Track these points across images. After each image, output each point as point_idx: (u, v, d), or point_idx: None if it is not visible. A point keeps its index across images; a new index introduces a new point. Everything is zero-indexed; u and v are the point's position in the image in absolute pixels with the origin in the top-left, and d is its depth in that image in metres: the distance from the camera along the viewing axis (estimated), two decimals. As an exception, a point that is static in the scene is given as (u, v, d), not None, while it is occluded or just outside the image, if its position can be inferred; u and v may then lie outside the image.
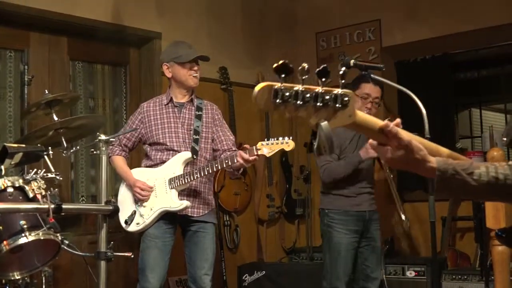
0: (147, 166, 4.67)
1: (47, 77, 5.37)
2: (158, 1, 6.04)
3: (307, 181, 7.00)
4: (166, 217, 4.53)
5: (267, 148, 4.42)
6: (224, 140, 4.79)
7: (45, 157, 3.65)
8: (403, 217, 4.83)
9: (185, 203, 4.51)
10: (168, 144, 4.61)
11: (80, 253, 3.45)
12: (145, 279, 4.43)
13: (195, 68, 4.68)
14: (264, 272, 6.10)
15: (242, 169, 4.72)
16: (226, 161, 4.43)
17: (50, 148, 3.72)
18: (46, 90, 3.79)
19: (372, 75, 4.97)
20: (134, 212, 4.55)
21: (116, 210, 3.13)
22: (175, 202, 4.51)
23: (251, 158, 4.35)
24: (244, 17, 6.95)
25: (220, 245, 6.24)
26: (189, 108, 4.73)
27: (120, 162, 4.69)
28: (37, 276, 4.05)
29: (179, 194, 4.54)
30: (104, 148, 3.23)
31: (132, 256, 3.42)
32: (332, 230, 4.91)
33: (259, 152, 4.41)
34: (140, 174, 4.63)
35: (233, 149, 4.79)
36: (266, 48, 7.23)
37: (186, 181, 4.50)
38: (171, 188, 4.52)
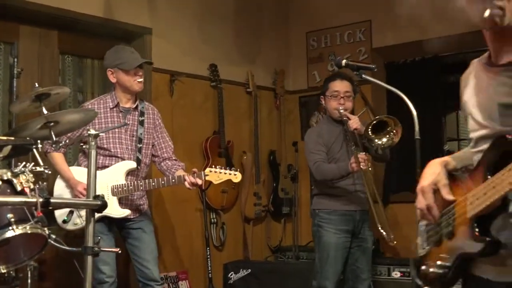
0: (86, 167, 4.60)
1: (36, 70, 5.33)
2: (150, -3, 6.03)
3: (294, 180, 7.03)
4: (103, 219, 4.52)
5: (215, 176, 4.60)
6: (164, 147, 4.87)
7: (34, 150, 3.63)
8: (384, 235, 4.85)
9: (127, 212, 4.61)
10: (112, 150, 4.63)
11: (67, 248, 3.43)
12: (100, 272, 4.45)
13: (140, 73, 4.69)
14: (249, 270, 6.10)
15: None
16: (173, 181, 4.58)
17: (39, 141, 3.70)
18: (36, 83, 3.76)
19: (340, 72, 5.05)
20: (72, 212, 4.53)
21: (104, 205, 3.11)
22: (116, 210, 4.56)
23: (198, 183, 4.54)
24: (236, 14, 6.94)
25: (206, 242, 6.24)
26: (133, 114, 4.76)
27: (59, 159, 4.63)
28: (22, 270, 4.03)
29: (118, 201, 4.60)
30: (93, 143, 3.21)
31: (120, 251, 3.42)
32: (321, 229, 4.95)
33: (207, 178, 4.59)
34: (81, 175, 4.52)
35: (173, 158, 4.88)
36: (256, 47, 7.23)
37: (129, 191, 4.58)
38: (113, 195, 4.55)
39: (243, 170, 6.79)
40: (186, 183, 4.52)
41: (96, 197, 3.14)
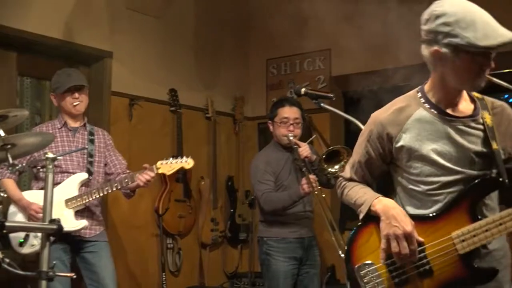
0: (40, 189, 4.57)
1: (-7, 91, 5.29)
2: (111, 20, 6.02)
3: (252, 206, 6.98)
4: (61, 238, 4.45)
5: (166, 166, 4.60)
6: (118, 164, 4.88)
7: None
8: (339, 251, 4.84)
9: (84, 222, 4.56)
10: (63, 166, 4.61)
11: (21, 272, 3.38)
12: None
13: (75, 96, 4.69)
14: (205, 296, 6.08)
15: (136, 190, 4.76)
16: (126, 180, 4.56)
17: (-6, 164, 3.66)
18: (-6, 105, 3.73)
19: (288, 98, 5.08)
20: (28, 235, 4.47)
21: (60, 229, 3.08)
22: (73, 222, 4.53)
23: (151, 176, 4.54)
24: (196, 40, 6.96)
25: (162, 268, 6.20)
26: (82, 132, 4.78)
27: (11, 185, 4.60)
28: (-26, 294, 3.97)
29: (74, 214, 4.55)
30: (50, 166, 3.18)
31: (75, 276, 3.37)
32: (270, 258, 4.91)
33: (159, 171, 4.61)
34: (33, 197, 4.53)
35: (127, 171, 4.87)
36: (217, 72, 7.26)
37: (83, 201, 4.54)
38: (68, 208, 4.53)
39: (200, 195, 6.78)
40: (138, 179, 4.51)
41: (52, 221, 3.10)
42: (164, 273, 6.18)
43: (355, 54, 6.71)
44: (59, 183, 4.57)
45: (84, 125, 4.80)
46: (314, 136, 5.16)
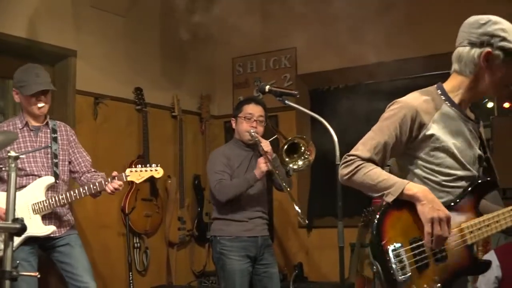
0: (3, 191, 4.44)
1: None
2: (75, 19, 5.98)
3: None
4: (28, 240, 4.44)
5: (136, 174, 4.59)
6: (82, 162, 4.82)
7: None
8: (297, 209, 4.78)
9: (52, 228, 4.52)
10: (27, 169, 4.53)
11: (-16, 273, 3.34)
12: None
13: (41, 98, 4.60)
14: (173, 295, 6.06)
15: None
16: (95, 188, 4.53)
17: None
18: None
19: (255, 97, 5.10)
20: None
21: (24, 229, 3.05)
22: (41, 227, 4.48)
23: (119, 184, 4.50)
24: (162, 39, 6.95)
25: (129, 267, 6.17)
26: (44, 131, 4.70)
27: None
28: None
29: (42, 218, 4.50)
30: (13, 165, 3.15)
31: (39, 276, 3.34)
32: (224, 257, 4.88)
33: (128, 179, 4.58)
34: None
35: (92, 170, 4.84)
36: (182, 71, 7.25)
37: (51, 207, 4.50)
38: (35, 214, 4.47)
39: (167, 194, 6.77)
40: (107, 187, 4.49)
41: (15, 220, 3.07)
42: (131, 273, 6.16)
43: (321, 52, 6.76)
44: (24, 186, 4.51)
45: (47, 123, 4.72)
46: (275, 136, 5.18)
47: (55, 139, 4.70)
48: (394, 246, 2.66)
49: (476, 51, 2.73)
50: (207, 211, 7.11)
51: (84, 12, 6.08)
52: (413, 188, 2.69)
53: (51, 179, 4.56)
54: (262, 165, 4.78)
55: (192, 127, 7.34)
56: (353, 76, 6.81)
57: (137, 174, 4.59)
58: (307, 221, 4.77)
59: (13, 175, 3.15)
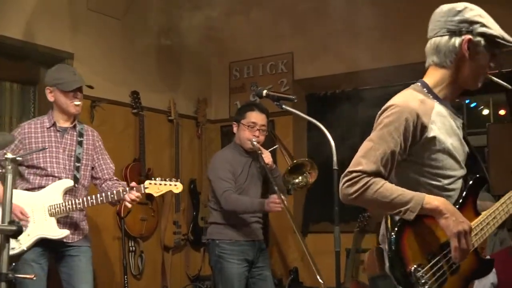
0: (24, 189, 4.50)
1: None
2: (72, 21, 5.97)
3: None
4: (41, 242, 4.43)
5: (155, 187, 4.52)
6: (105, 169, 4.78)
7: None
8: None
9: (66, 232, 4.48)
10: (48, 169, 4.51)
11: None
12: None
13: (78, 96, 4.61)
14: (167, 299, 6.05)
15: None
16: (112, 196, 4.49)
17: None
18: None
19: (258, 104, 5.10)
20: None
21: (20, 231, 3.04)
22: (55, 230, 4.45)
23: (136, 196, 4.45)
24: (159, 42, 6.94)
25: (124, 271, 6.16)
26: (71, 133, 4.66)
27: None
28: None
29: (57, 222, 4.48)
30: (10, 167, 3.14)
31: (35, 278, 3.34)
32: (223, 261, 4.91)
33: (147, 191, 4.51)
34: (17, 197, 4.32)
35: (114, 178, 4.82)
36: (179, 75, 7.25)
37: (67, 210, 4.46)
38: (51, 216, 4.44)
39: (163, 198, 6.75)
40: (125, 198, 4.43)
41: (11, 222, 3.07)
42: (126, 276, 6.14)
43: (318, 57, 6.77)
44: (43, 186, 4.48)
45: (74, 126, 4.68)
46: (276, 146, 5.19)
47: (80, 143, 4.65)
48: (416, 268, 2.49)
49: (456, 40, 2.63)
50: (203, 216, 7.10)
51: (81, 15, 6.07)
52: (433, 201, 2.52)
53: (70, 183, 4.51)
54: (275, 206, 4.76)
55: (188, 131, 7.34)
56: (350, 82, 6.82)
57: (156, 187, 4.52)
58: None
59: (10, 177, 3.14)
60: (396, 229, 2.54)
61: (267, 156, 4.89)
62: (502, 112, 7.23)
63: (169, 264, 6.86)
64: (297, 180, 4.85)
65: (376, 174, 2.54)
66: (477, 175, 2.74)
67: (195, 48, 7.40)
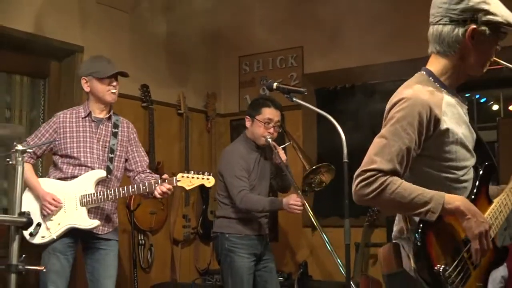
0: (56, 178, 4.55)
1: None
2: (82, 15, 5.98)
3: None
4: (70, 232, 4.46)
5: (187, 181, 4.49)
6: (139, 161, 4.79)
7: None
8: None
9: (96, 222, 4.49)
10: (82, 159, 4.53)
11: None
12: None
13: (114, 84, 4.64)
14: (177, 292, 6.06)
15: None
16: (144, 188, 4.48)
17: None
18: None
19: (273, 99, 5.09)
20: (40, 224, 4.41)
21: (30, 222, 3.06)
22: (86, 220, 4.46)
23: (168, 188, 4.43)
24: (168, 36, 6.93)
25: (133, 264, 6.17)
26: (106, 124, 4.69)
27: (28, 169, 4.46)
28: None
29: (88, 212, 4.48)
30: (20, 159, 3.16)
31: (45, 269, 3.35)
32: (234, 254, 4.94)
33: (179, 184, 4.49)
34: (49, 186, 4.50)
35: (148, 171, 4.81)
36: (189, 69, 7.24)
37: (99, 201, 4.47)
38: (82, 206, 4.46)
39: (172, 192, 6.75)
40: (156, 190, 4.42)
41: (22, 214, 3.08)
42: (135, 269, 6.16)
43: (328, 51, 6.76)
44: (76, 176, 4.51)
45: (109, 117, 4.71)
46: (289, 143, 5.18)
47: (115, 134, 4.67)
48: (444, 268, 2.43)
49: (460, 30, 2.51)
50: (212, 209, 7.10)
51: (91, 8, 6.07)
52: (454, 201, 2.44)
53: (102, 173, 4.53)
54: (295, 208, 4.79)
55: (198, 125, 7.34)
56: (360, 76, 6.80)
57: (188, 181, 4.50)
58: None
59: (20, 168, 3.15)
60: (419, 230, 2.47)
61: (282, 154, 4.91)
62: (512, 107, 7.21)
63: (178, 258, 6.87)
64: (313, 181, 4.87)
65: (392, 172, 2.43)
66: (486, 163, 2.66)
67: (204, 42, 7.41)
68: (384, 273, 2.73)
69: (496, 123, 6.30)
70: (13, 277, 3.01)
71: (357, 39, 6.47)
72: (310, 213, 4.68)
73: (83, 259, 4.71)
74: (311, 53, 7.07)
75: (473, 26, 2.50)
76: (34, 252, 4.37)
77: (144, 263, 6.50)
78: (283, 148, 5.06)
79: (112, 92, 4.63)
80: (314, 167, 4.84)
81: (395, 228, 2.73)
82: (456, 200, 2.44)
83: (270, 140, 4.92)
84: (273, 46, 7.22)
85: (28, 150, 3.23)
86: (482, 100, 7.41)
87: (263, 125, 4.98)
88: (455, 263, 2.48)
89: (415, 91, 2.53)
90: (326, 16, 6.39)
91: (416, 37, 6.13)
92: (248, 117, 5.09)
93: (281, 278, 6.22)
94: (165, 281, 6.63)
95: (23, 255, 3.16)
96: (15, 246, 3.03)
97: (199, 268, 7.15)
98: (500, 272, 4.27)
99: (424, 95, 2.51)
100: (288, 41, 7.16)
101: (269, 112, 5.00)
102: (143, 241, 6.48)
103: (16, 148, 3.17)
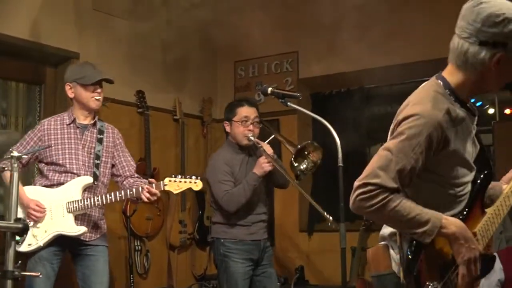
0: (43, 186, 4.53)
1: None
2: (78, 21, 5.99)
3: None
4: (57, 240, 4.44)
5: (174, 185, 4.50)
6: (126, 166, 4.78)
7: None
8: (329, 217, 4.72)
9: (83, 229, 4.47)
10: (67, 166, 4.52)
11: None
12: None
13: (98, 90, 4.63)
14: (173, 298, 6.05)
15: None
16: (131, 193, 4.47)
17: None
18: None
19: (246, 97, 5.09)
20: (26, 233, 4.39)
21: (26, 228, 3.06)
22: (73, 227, 4.44)
23: (157, 194, 4.44)
24: (164, 41, 6.94)
25: (130, 270, 6.17)
26: (91, 130, 4.67)
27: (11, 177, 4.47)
28: None
29: (75, 218, 4.47)
30: (16, 165, 3.16)
31: (41, 276, 3.35)
32: (229, 260, 4.91)
33: (166, 188, 4.49)
34: (35, 193, 4.47)
35: (135, 175, 4.80)
36: (184, 74, 7.25)
37: (86, 207, 4.46)
38: (69, 212, 4.44)
39: (168, 197, 6.76)
40: (145, 192, 4.41)
41: (18, 220, 3.08)
42: (132, 275, 6.15)
43: (323, 56, 6.77)
44: (62, 183, 4.50)
45: (95, 123, 4.69)
46: (273, 136, 5.18)
47: (100, 140, 4.66)
48: (432, 285, 2.43)
49: (487, 54, 2.41)
50: (208, 215, 7.09)
51: (86, 15, 6.09)
52: (450, 226, 2.43)
53: (89, 180, 4.52)
54: (265, 165, 4.79)
55: (194, 130, 7.34)
56: (355, 80, 6.82)
57: (175, 185, 4.51)
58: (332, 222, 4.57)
59: (15, 175, 3.15)
60: (413, 244, 2.47)
61: (267, 147, 4.89)
62: (507, 111, 7.21)
63: (175, 263, 6.87)
64: (304, 166, 4.83)
65: (394, 190, 2.41)
66: (484, 174, 2.62)
67: (200, 48, 7.42)
68: (372, 274, 2.74)
69: (491, 126, 6.31)
70: (9, 283, 3.01)
71: (352, 44, 6.47)
72: (282, 168, 4.70)
73: (73, 267, 4.68)
74: (306, 58, 7.08)
75: (502, 53, 2.41)
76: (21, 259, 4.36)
77: (141, 269, 6.49)
78: (268, 143, 5.04)
79: (96, 99, 4.61)
80: (297, 148, 4.78)
81: (384, 230, 2.73)
82: (453, 226, 2.44)
83: (252, 137, 4.92)
84: (268, 51, 7.24)
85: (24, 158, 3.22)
86: (478, 104, 7.42)
87: (241, 124, 4.98)
88: (444, 280, 2.48)
89: (429, 110, 2.46)
90: (321, 21, 6.40)
91: (411, 41, 6.23)
92: (226, 122, 5.11)
93: (278, 283, 6.21)
94: (162, 286, 6.64)
95: (19, 261, 3.16)
96: (11, 252, 3.04)
97: (195, 273, 7.15)
98: (497, 275, 4.28)
99: (438, 115, 2.44)
100: (283, 46, 7.18)
101: (244, 111, 5.00)
102: (139, 247, 6.47)
103: (11, 154, 3.17)
